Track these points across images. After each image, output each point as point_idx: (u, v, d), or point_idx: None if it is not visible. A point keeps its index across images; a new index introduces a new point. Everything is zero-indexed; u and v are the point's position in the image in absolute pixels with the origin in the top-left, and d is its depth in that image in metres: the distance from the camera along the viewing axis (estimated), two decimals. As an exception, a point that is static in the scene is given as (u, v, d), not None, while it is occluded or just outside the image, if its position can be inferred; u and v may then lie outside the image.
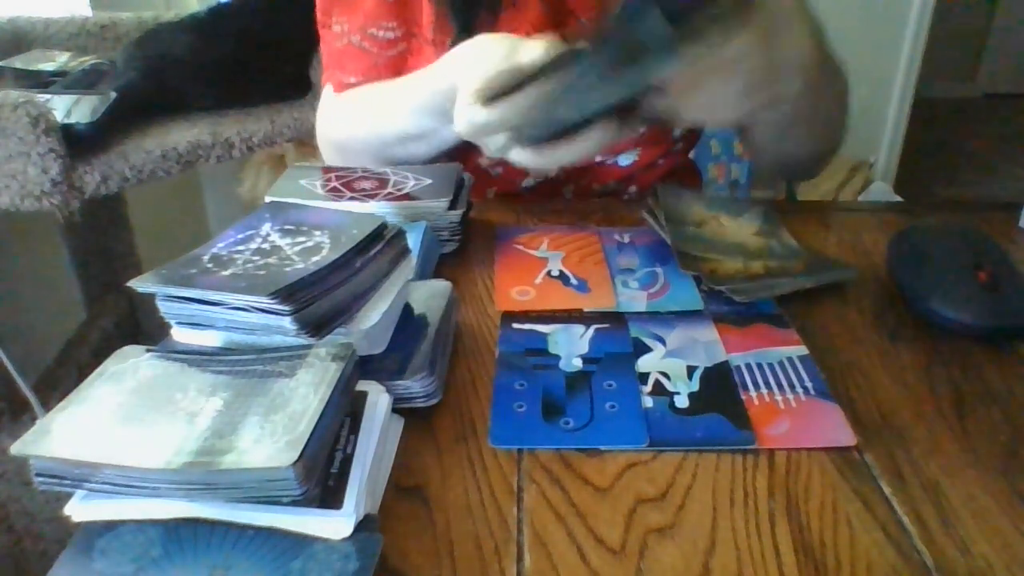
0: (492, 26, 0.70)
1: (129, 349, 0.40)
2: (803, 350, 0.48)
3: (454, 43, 0.69)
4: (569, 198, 0.79)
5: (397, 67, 0.74)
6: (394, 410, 0.40)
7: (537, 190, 0.78)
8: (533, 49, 0.54)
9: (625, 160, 0.76)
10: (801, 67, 0.56)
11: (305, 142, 1.42)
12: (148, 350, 0.40)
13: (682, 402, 0.43)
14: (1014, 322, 0.49)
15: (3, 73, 1.26)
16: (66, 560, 0.32)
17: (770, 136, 0.69)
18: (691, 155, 0.86)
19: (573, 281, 0.56)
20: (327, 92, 0.78)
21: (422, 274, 0.54)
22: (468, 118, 0.55)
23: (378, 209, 0.59)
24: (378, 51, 0.73)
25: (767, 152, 0.73)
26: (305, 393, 0.35)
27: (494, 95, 0.54)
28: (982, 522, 0.36)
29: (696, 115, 0.57)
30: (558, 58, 0.52)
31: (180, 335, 0.42)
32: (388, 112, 0.70)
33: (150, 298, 0.41)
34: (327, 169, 0.66)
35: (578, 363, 0.47)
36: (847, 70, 0.66)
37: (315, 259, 0.42)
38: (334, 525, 0.33)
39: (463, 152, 0.69)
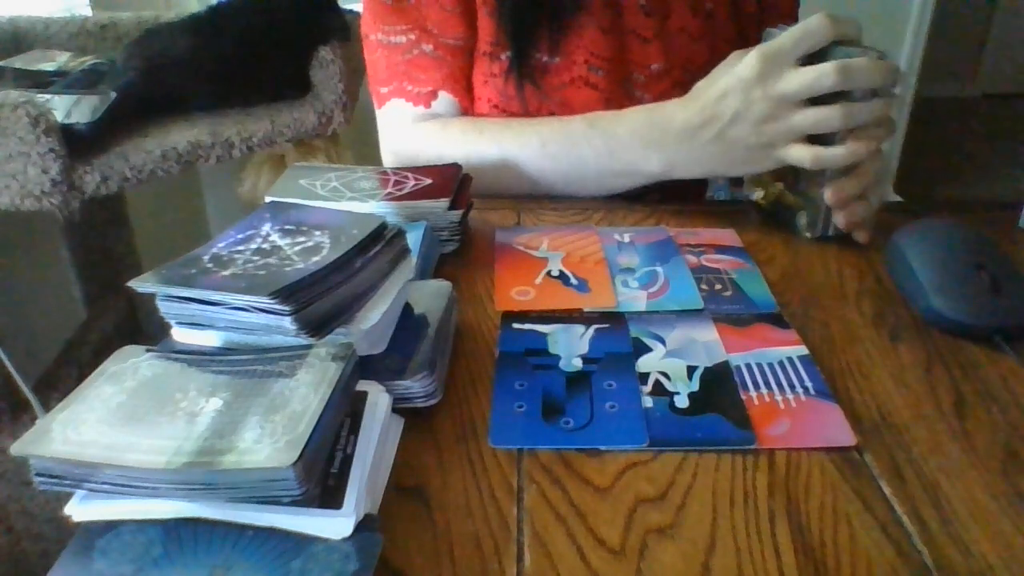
0: (552, 45, 0.71)
1: (129, 349, 0.40)
2: (803, 350, 0.48)
3: (513, 61, 0.71)
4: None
5: (468, 76, 0.74)
6: (394, 410, 0.40)
7: None
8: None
9: None
10: None
11: (305, 142, 1.42)
12: (148, 350, 0.40)
13: (682, 402, 0.43)
14: (1014, 322, 0.49)
15: (3, 73, 1.26)
16: (66, 560, 0.32)
17: None
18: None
19: (573, 281, 0.56)
20: (397, 108, 0.75)
21: (422, 274, 0.54)
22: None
23: (378, 209, 0.59)
24: (451, 59, 0.73)
25: None
26: (305, 393, 0.35)
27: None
28: (982, 522, 0.36)
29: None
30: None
31: (180, 335, 0.42)
32: (541, 151, 0.69)
33: (150, 298, 0.41)
34: (327, 169, 0.66)
35: (578, 363, 0.47)
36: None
37: (315, 259, 0.42)
38: (334, 525, 0.33)
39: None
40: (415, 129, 0.75)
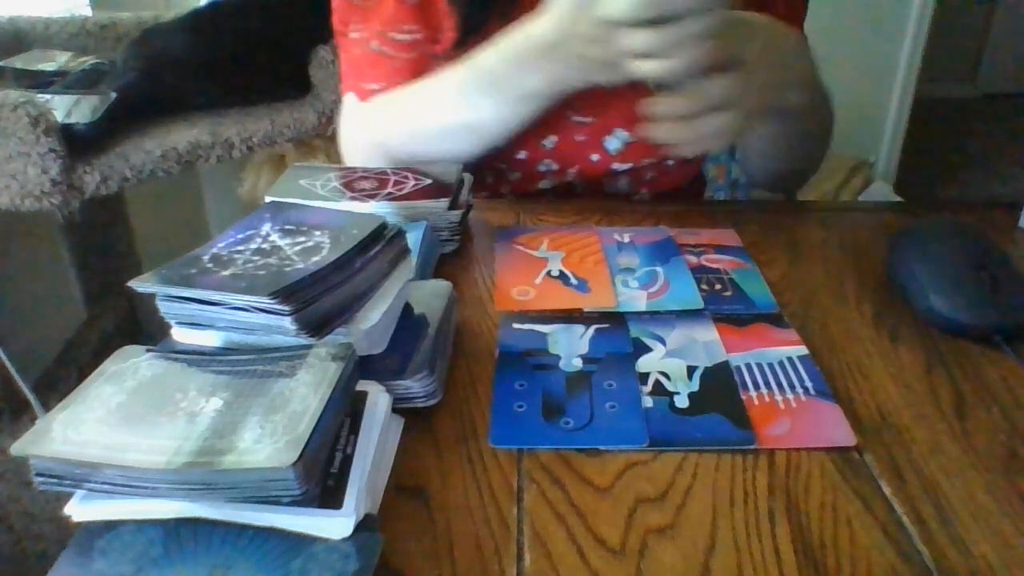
0: (500, 31, 0.70)
1: (129, 349, 0.40)
2: (803, 350, 0.48)
3: (459, 44, 0.69)
4: (581, 192, 0.78)
5: (419, 71, 0.73)
6: (394, 410, 0.40)
7: (552, 191, 0.77)
8: None
9: (612, 145, 0.75)
10: (806, 81, 0.63)
11: (305, 142, 1.42)
12: (148, 350, 0.40)
13: (682, 402, 0.43)
14: (1014, 322, 0.49)
15: (3, 73, 1.26)
16: (66, 560, 0.32)
17: (769, 152, 0.73)
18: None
19: (573, 281, 0.56)
20: (349, 100, 0.76)
21: (422, 274, 0.54)
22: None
23: (378, 209, 0.59)
24: (398, 55, 0.72)
25: (759, 167, 0.78)
26: (305, 393, 0.35)
27: None
28: (982, 522, 0.36)
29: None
30: None
31: (180, 335, 0.42)
32: (433, 106, 0.69)
33: (150, 298, 0.41)
34: (327, 169, 0.66)
35: (578, 363, 0.47)
36: (839, 88, 0.72)
37: (315, 259, 0.42)
38: (334, 525, 0.33)
39: (500, 149, 0.69)
40: (362, 114, 0.75)
